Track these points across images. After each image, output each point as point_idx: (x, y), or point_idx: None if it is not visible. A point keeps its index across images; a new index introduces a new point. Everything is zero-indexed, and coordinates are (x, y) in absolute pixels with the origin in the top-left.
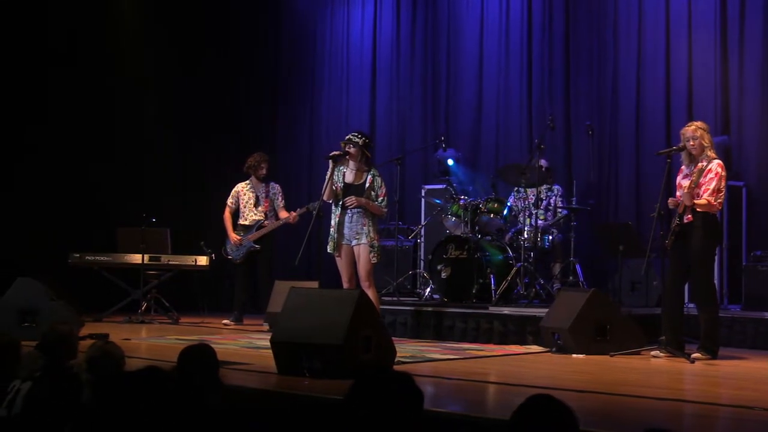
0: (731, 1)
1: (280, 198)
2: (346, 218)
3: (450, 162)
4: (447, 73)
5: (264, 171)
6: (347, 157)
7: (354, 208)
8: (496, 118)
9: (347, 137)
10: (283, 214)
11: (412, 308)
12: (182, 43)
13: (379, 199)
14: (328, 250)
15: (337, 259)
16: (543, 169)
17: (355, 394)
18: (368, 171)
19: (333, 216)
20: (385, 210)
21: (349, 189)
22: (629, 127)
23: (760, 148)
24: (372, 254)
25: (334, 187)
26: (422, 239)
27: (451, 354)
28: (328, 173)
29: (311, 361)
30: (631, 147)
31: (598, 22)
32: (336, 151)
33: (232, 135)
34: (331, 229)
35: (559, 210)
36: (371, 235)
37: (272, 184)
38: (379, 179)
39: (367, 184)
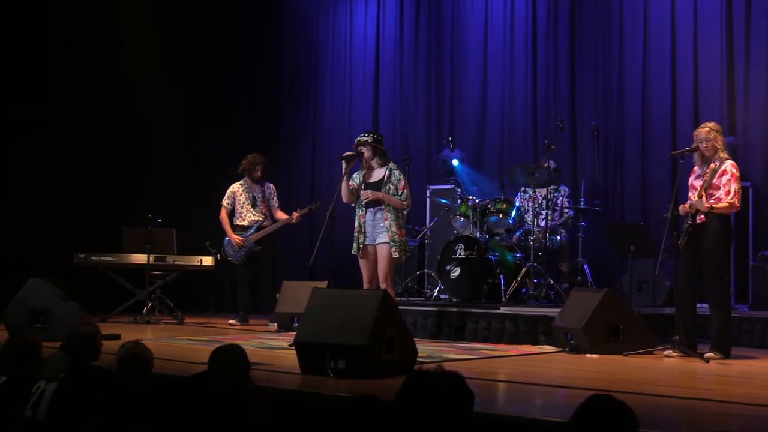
0: (737, 4)
1: (275, 198)
2: (368, 217)
3: (455, 162)
4: (451, 73)
5: (259, 173)
6: (361, 158)
7: (371, 204)
8: (500, 118)
9: (356, 140)
10: (279, 215)
11: (422, 308)
12: (185, 44)
13: (399, 192)
14: (353, 252)
15: (361, 260)
16: (551, 169)
17: (408, 392)
18: (385, 166)
19: (357, 217)
20: (406, 203)
21: (367, 187)
22: (635, 127)
23: (765, 149)
24: (394, 249)
25: (352, 188)
26: (428, 240)
27: (466, 354)
28: (343, 174)
29: (335, 361)
30: (636, 148)
31: (604, 22)
32: (349, 152)
33: (235, 136)
34: (355, 231)
35: (566, 210)
36: (393, 230)
37: (267, 184)
38: (396, 172)
39: (385, 179)
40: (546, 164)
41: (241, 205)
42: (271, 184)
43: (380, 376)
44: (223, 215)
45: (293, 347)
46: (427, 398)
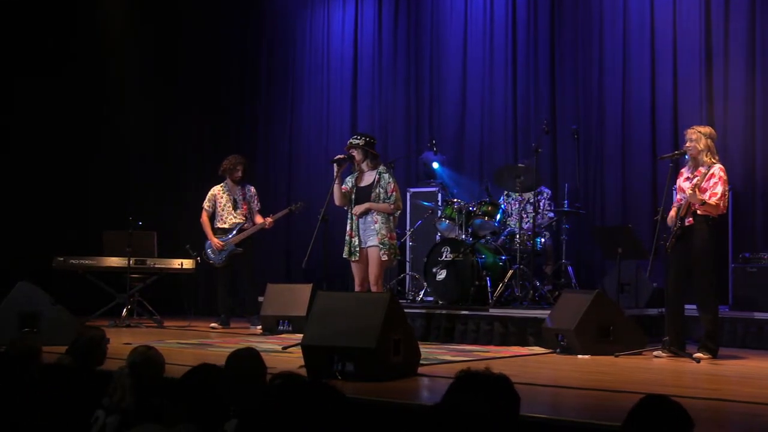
0: (716, 8)
1: (255, 201)
2: (360, 221)
3: (435, 165)
4: (430, 75)
5: (240, 174)
6: (353, 161)
7: (360, 216)
8: (480, 121)
9: (349, 141)
10: (259, 219)
11: (411, 310)
12: (160, 46)
13: (389, 194)
14: (344, 255)
15: (353, 263)
16: (534, 171)
17: (458, 392)
18: (375, 169)
19: (349, 221)
20: (394, 206)
21: (359, 191)
22: (615, 131)
23: (744, 152)
24: (383, 251)
25: (345, 192)
26: (410, 242)
27: (461, 356)
28: (334, 177)
29: (343, 363)
30: (616, 151)
31: (584, 26)
32: (340, 155)
33: (213, 138)
34: (347, 235)
35: (540, 210)
36: (382, 232)
37: (248, 186)
38: (386, 176)
39: (375, 183)
40: (535, 167)
41: (222, 207)
42: (252, 187)
43: (387, 379)
44: (204, 218)
45: (286, 350)
46: (477, 399)
